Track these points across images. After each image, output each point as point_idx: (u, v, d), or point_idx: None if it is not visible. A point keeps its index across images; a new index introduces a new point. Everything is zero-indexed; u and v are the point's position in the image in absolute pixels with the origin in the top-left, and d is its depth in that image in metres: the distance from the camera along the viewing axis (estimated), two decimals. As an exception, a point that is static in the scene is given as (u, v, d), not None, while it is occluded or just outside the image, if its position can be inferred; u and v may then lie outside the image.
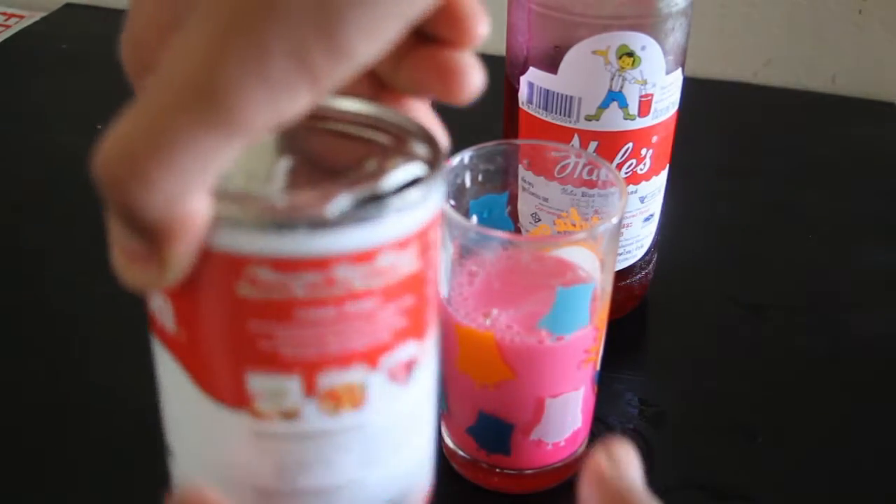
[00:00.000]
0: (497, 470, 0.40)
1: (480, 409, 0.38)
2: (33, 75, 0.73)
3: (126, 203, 0.19)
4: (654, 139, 0.43)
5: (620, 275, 0.47)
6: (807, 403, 0.46)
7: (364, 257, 0.21)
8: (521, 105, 0.44)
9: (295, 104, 0.18)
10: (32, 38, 0.80)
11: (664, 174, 0.46)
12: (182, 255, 0.20)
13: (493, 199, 0.40)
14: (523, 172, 0.43)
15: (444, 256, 0.37)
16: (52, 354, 0.48)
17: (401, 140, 0.24)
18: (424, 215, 0.22)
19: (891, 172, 0.65)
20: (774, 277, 0.54)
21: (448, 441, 0.41)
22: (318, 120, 0.23)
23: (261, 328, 0.22)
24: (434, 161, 0.23)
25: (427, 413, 0.25)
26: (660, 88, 0.42)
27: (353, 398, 0.23)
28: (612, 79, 0.41)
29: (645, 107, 0.42)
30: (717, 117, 0.70)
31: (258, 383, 0.22)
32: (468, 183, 0.39)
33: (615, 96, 0.41)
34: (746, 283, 0.53)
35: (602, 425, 0.44)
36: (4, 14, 0.84)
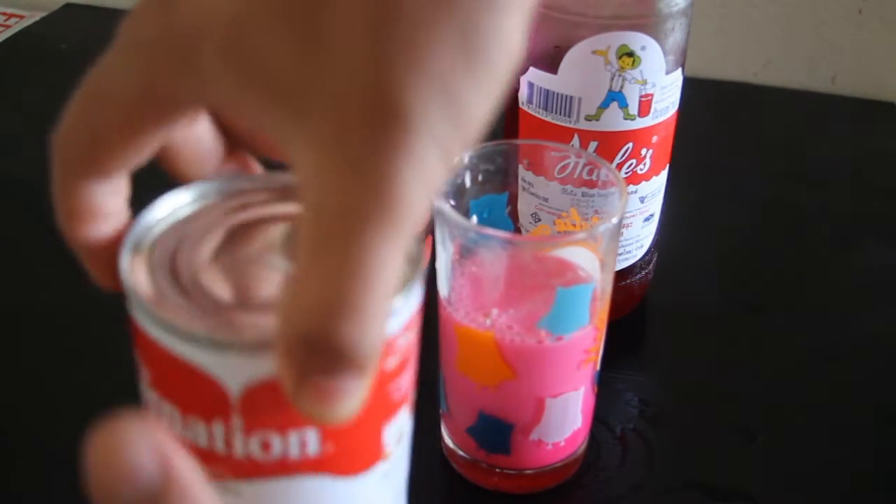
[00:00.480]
0: (497, 470, 0.40)
1: (480, 410, 0.38)
2: (33, 75, 0.73)
3: (348, 351, 0.18)
4: (654, 139, 0.43)
5: (620, 275, 0.47)
6: (807, 403, 0.46)
7: (415, 322, 0.23)
8: (521, 105, 0.44)
9: (437, 190, 0.19)
10: (32, 38, 0.80)
11: (664, 174, 0.46)
12: (376, 367, 0.20)
13: (494, 199, 0.40)
14: (523, 172, 0.43)
15: (444, 256, 0.37)
16: (51, 356, 0.48)
17: None
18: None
19: (891, 172, 0.65)
20: (774, 277, 0.54)
21: (448, 441, 0.41)
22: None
23: (395, 385, 0.23)
24: (421, 258, 0.23)
25: None
26: (660, 88, 0.42)
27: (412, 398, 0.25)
28: (612, 79, 0.41)
29: (645, 107, 0.42)
30: (717, 117, 0.70)
31: (389, 431, 0.23)
32: (468, 183, 0.39)
33: (615, 96, 0.41)
34: (746, 283, 0.53)
35: (602, 425, 0.44)
36: (4, 14, 0.84)
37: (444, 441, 0.42)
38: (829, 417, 0.45)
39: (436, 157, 0.18)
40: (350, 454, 0.23)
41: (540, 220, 0.44)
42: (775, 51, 0.75)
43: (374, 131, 0.18)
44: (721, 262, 0.55)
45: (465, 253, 0.37)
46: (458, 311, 0.37)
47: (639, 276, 0.49)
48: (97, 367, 0.47)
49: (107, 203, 0.23)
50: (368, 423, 0.23)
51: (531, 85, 0.43)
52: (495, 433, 0.39)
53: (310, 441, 0.22)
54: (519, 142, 0.44)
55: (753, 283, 0.54)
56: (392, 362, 0.22)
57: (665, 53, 0.41)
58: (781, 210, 0.60)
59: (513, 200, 0.44)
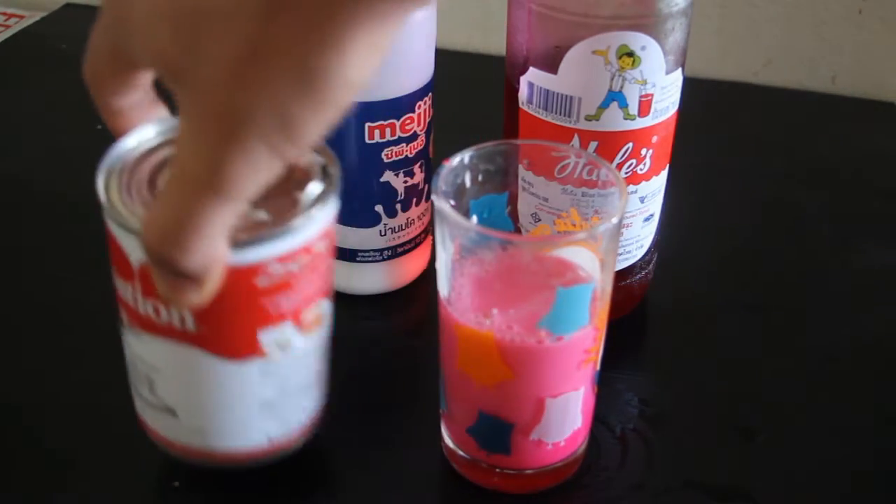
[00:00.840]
0: (497, 470, 0.40)
1: (480, 409, 0.38)
2: (33, 75, 0.73)
3: (173, 265, 0.28)
4: (654, 139, 0.43)
5: (620, 275, 0.47)
6: (807, 403, 0.46)
7: (325, 234, 0.33)
8: (521, 105, 0.44)
9: (274, 174, 0.26)
10: (32, 38, 0.80)
11: (664, 174, 0.46)
12: (216, 282, 0.29)
13: (494, 200, 0.40)
14: (523, 172, 0.43)
15: (444, 256, 0.37)
16: (51, 355, 0.48)
17: (311, 168, 0.34)
18: (338, 200, 0.33)
19: (891, 172, 0.65)
20: (774, 277, 0.54)
21: (448, 441, 0.41)
22: None
23: (270, 300, 0.32)
24: (332, 157, 0.34)
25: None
26: (660, 88, 0.42)
27: (319, 321, 0.35)
28: (612, 79, 0.41)
29: (645, 107, 0.42)
30: (717, 117, 0.70)
31: (266, 336, 0.32)
32: (468, 183, 0.39)
33: (615, 96, 0.41)
34: (746, 283, 0.53)
35: (602, 425, 0.44)
36: (4, 14, 0.84)
37: (444, 441, 0.42)
38: (829, 417, 0.45)
39: (265, 153, 0.25)
40: (221, 341, 0.32)
41: (540, 220, 0.44)
42: (775, 51, 0.75)
43: (220, 127, 0.25)
44: (721, 262, 0.55)
45: (464, 253, 0.37)
46: (458, 311, 0.37)
47: (639, 276, 0.49)
48: (97, 366, 0.47)
49: (123, 105, 0.32)
50: (239, 322, 0.32)
51: (531, 85, 0.43)
52: (495, 433, 0.39)
53: (186, 319, 0.31)
54: (519, 142, 0.44)
55: (753, 283, 0.54)
56: (264, 282, 0.31)
57: (665, 53, 0.41)
58: (781, 210, 0.60)
59: (513, 200, 0.44)
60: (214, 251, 0.28)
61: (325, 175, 0.33)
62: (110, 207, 0.31)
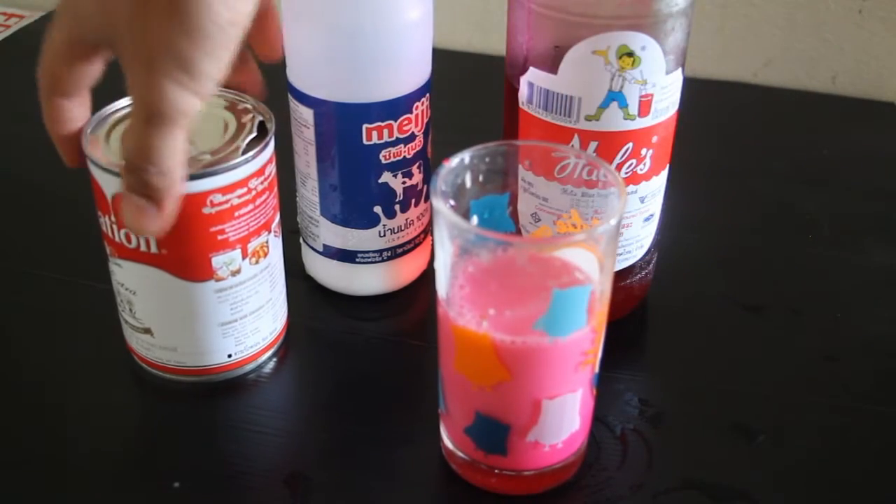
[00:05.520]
0: (496, 471, 0.40)
1: (477, 410, 0.38)
2: (33, 75, 0.73)
3: (143, 178, 0.34)
4: (654, 139, 0.43)
5: (620, 275, 0.47)
6: (807, 403, 0.46)
7: (260, 172, 0.41)
8: (521, 105, 0.44)
9: (193, 106, 0.33)
10: (32, 38, 0.79)
11: (664, 174, 0.46)
12: (175, 204, 0.35)
13: (495, 200, 0.40)
14: (523, 172, 0.43)
15: (442, 257, 0.37)
16: (50, 355, 0.48)
17: (234, 103, 0.43)
18: (273, 146, 0.42)
19: (891, 172, 0.65)
20: (774, 277, 0.54)
21: (447, 441, 0.41)
22: None
23: (217, 228, 0.40)
24: (268, 113, 0.43)
25: (281, 251, 0.46)
26: (660, 88, 0.42)
27: (264, 251, 0.43)
28: (612, 79, 0.41)
29: (645, 107, 0.42)
30: (717, 117, 0.70)
31: (218, 260, 0.41)
32: (468, 183, 0.39)
33: (615, 96, 0.41)
34: (746, 283, 0.53)
35: (602, 425, 0.44)
36: (4, 14, 0.84)
37: (443, 441, 0.42)
38: (829, 417, 0.45)
39: (179, 90, 0.32)
40: (181, 263, 0.41)
41: (540, 220, 0.44)
42: (775, 51, 0.75)
43: (139, 71, 0.33)
44: (721, 262, 0.55)
45: (463, 254, 0.37)
46: (456, 312, 0.37)
47: (639, 276, 0.49)
48: (96, 366, 0.47)
49: (73, 111, 0.39)
50: (194, 246, 0.40)
51: (531, 85, 0.43)
52: (492, 434, 0.39)
53: (151, 243, 0.40)
54: (519, 142, 0.44)
55: (753, 283, 0.54)
56: (209, 211, 0.39)
57: (665, 53, 0.41)
58: (781, 210, 0.60)
59: (514, 201, 0.44)
60: (174, 171, 0.34)
61: (261, 127, 0.41)
62: (90, 153, 0.39)
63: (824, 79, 0.75)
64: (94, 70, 0.38)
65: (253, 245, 0.42)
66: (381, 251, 0.50)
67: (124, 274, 0.42)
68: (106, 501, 0.41)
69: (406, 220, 0.49)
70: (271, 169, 0.42)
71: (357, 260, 0.50)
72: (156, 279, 0.41)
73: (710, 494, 0.41)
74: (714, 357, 0.48)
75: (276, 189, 0.43)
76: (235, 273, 0.42)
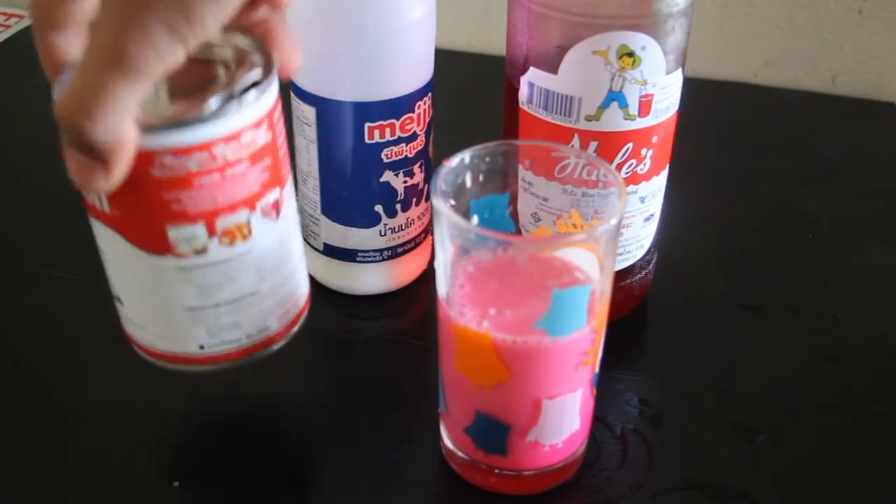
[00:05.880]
0: (496, 471, 0.40)
1: (477, 410, 0.38)
2: (33, 75, 0.73)
3: (82, 135, 0.29)
4: (655, 139, 0.43)
5: (620, 275, 0.47)
6: (807, 403, 0.46)
7: (232, 138, 0.33)
8: (521, 105, 0.44)
9: (175, 56, 0.29)
10: (32, 38, 0.80)
11: (664, 174, 0.46)
12: (123, 163, 0.31)
13: (495, 200, 0.40)
14: (523, 172, 0.43)
15: (442, 256, 0.37)
16: (50, 355, 0.48)
17: (242, 55, 0.35)
18: (268, 102, 0.34)
19: (891, 172, 0.65)
20: (774, 277, 0.54)
21: (447, 441, 0.41)
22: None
23: (171, 196, 0.33)
24: (268, 66, 0.34)
25: (295, 238, 0.38)
26: (660, 88, 0.42)
27: (242, 233, 0.35)
28: (612, 79, 0.41)
29: (645, 107, 0.42)
30: (717, 117, 0.70)
31: (175, 233, 0.34)
32: (469, 183, 0.39)
33: (615, 96, 0.41)
34: (746, 283, 0.53)
35: (602, 425, 0.44)
36: (4, 14, 0.84)
37: (443, 441, 0.42)
38: (829, 417, 0.45)
39: (165, 34, 0.28)
40: (135, 229, 0.34)
41: (540, 220, 0.44)
42: (775, 51, 0.75)
43: (124, 7, 0.28)
44: (721, 262, 0.55)
45: (463, 253, 0.37)
46: (456, 311, 0.37)
47: (639, 276, 0.49)
48: (95, 365, 0.47)
49: (69, 46, 0.34)
50: (144, 212, 0.34)
51: (531, 85, 0.43)
52: (492, 433, 0.39)
53: (102, 201, 0.34)
54: (519, 142, 0.44)
55: (753, 283, 0.54)
56: (159, 174, 0.32)
57: (665, 53, 0.41)
58: (781, 210, 0.60)
59: (514, 201, 0.44)
60: (120, 128, 0.30)
61: (241, 83, 0.33)
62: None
63: (824, 79, 0.75)
64: (90, 2, 0.34)
65: (223, 222, 0.34)
66: (381, 250, 0.50)
67: (95, 231, 0.36)
68: (106, 501, 0.41)
69: (407, 219, 0.49)
70: (256, 136, 0.34)
71: (358, 259, 0.50)
72: (116, 243, 0.35)
73: (710, 494, 0.41)
74: (714, 357, 0.48)
75: (269, 161, 0.35)
76: (199, 252, 0.35)
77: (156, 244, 0.34)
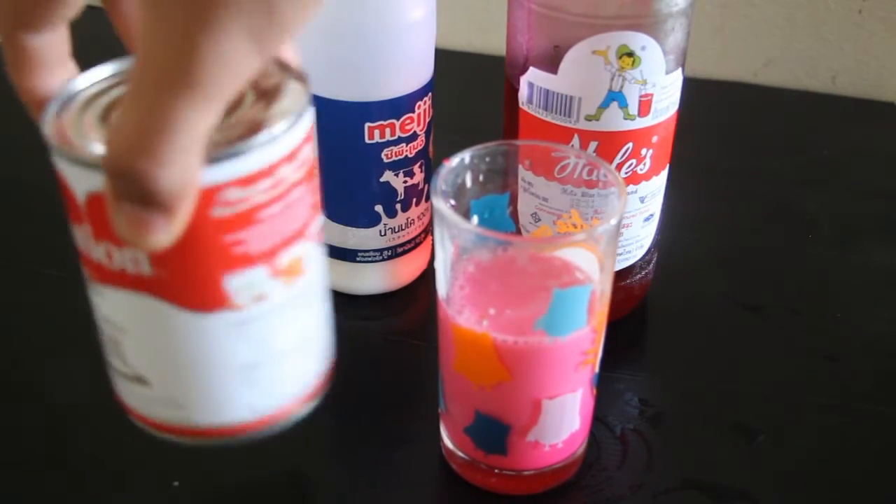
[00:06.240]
0: (496, 471, 0.40)
1: (477, 410, 0.38)
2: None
3: (145, 184, 0.23)
4: (654, 139, 0.43)
5: (620, 275, 0.47)
6: (807, 403, 0.46)
7: (292, 156, 0.28)
8: (521, 105, 0.44)
9: (254, 71, 0.23)
10: None
11: (664, 174, 0.46)
12: (189, 209, 0.25)
13: (495, 200, 0.40)
14: (523, 172, 0.43)
15: (442, 256, 0.37)
16: (50, 355, 0.48)
17: (270, 75, 0.30)
18: (311, 120, 0.29)
19: (891, 172, 0.65)
20: (774, 277, 0.54)
21: (447, 441, 0.41)
22: None
23: (233, 237, 0.27)
24: (296, 70, 0.30)
25: (326, 263, 0.32)
26: (660, 88, 0.42)
27: (299, 267, 0.30)
28: (612, 79, 0.41)
29: (645, 107, 0.42)
30: (717, 117, 0.70)
31: (234, 282, 0.28)
32: (469, 183, 0.39)
33: (615, 96, 0.41)
34: (746, 283, 0.53)
35: (602, 425, 0.44)
36: (4, 14, 0.84)
37: (443, 441, 0.42)
38: (829, 417, 0.45)
39: (245, 42, 0.22)
40: (183, 288, 0.28)
41: (540, 220, 0.44)
42: (775, 51, 0.75)
43: (195, 9, 0.22)
44: (721, 262, 0.55)
45: (463, 253, 0.37)
46: (456, 311, 0.37)
47: (639, 276, 0.49)
48: (95, 365, 0.47)
49: (44, 53, 0.28)
50: (200, 264, 0.27)
51: (531, 85, 0.43)
52: (492, 433, 0.39)
53: (141, 261, 0.27)
54: (519, 142, 0.44)
55: (753, 283, 0.54)
56: (221, 213, 0.27)
57: (665, 53, 0.41)
58: (781, 210, 0.60)
59: (514, 201, 0.44)
60: (191, 168, 0.23)
61: (290, 94, 0.29)
62: (54, 142, 0.27)
63: (824, 79, 0.75)
64: (76, 1, 0.27)
65: (284, 259, 0.29)
66: (381, 250, 0.50)
67: (107, 305, 0.30)
68: (106, 501, 0.41)
69: (407, 219, 0.49)
70: (308, 151, 0.29)
71: (357, 259, 0.50)
72: (148, 310, 0.29)
73: (710, 494, 0.41)
74: (714, 357, 0.48)
75: (316, 178, 0.31)
76: (259, 299, 0.29)
77: (209, 300, 0.28)
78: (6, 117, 0.69)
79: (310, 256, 0.30)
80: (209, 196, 0.26)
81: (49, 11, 0.26)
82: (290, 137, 0.28)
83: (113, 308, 0.30)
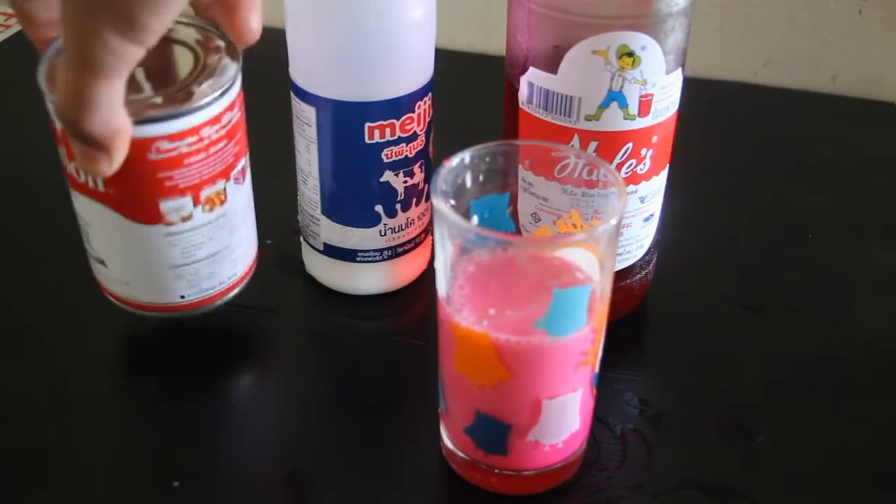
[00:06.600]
0: (496, 471, 0.40)
1: (477, 410, 0.38)
2: (33, 75, 0.73)
3: (79, 130, 0.32)
4: (654, 139, 0.43)
5: (620, 275, 0.47)
6: (807, 403, 0.46)
7: (216, 120, 0.39)
8: (521, 105, 0.44)
9: (136, 55, 0.31)
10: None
11: (664, 174, 0.46)
12: (123, 149, 0.34)
13: (495, 200, 0.40)
14: (523, 172, 0.43)
15: (442, 256, 0.37)
16: (49, 354, 0.48)
17: (207, 36, 0.40)
18: (238, 86, 0.40)
19: (891, 172, 0.65)
20: (774, 277, 0.54)
21: (447, 441, 0.41)
22: None
23: (164, 175, 0.38)
24: (233, 50, 0.40)
25: (250, 200, 0.44)
26: (660, 88, 0.42)
27: (220, 199, 0.41)
28: (612, 79, 0.41)
29: (645, 107, 0.42)
30: (717, 117, 0.70)
31: (166, 206, 0.39)
32: (469, 183, 0.39)
33: (615, 96, 0.41)
34: (746, 283, 0.53)
35: (602, 425, 0.44)
36: (4, 14, 0.84)
37: (443, 441, 0.42)
38: (830, 418, 0.45)
39: (117, 39, 0.30)
40: (129, 205, 0.39)
41: (540, 220, 0.44)
42: (775, 51, 0.75)
43: (76, 13, 0.30)
44: (721, 262, 0.55)
45: (463, 253, 0.37)
46: (456, 311, 0.37)
47: (639, 276, 0.49)
48: (96, 365, 0.47)
49: (39, 13, 0.37)
50: (140, 190, 0.39)
51: (531, 85, 0.43)
52: (492, 433, 0.39)
53: (98, 181, 0.39)
54: (519, 142, 0.44)
55: (753, 283, 0.54)
56: (155, 157, 0.38)
57: (665, 53, 0.41)
58: (781, 210, 0.60)
59: (514, 201, 0.44)
60: (112, 120, 0.32)
61: (223, 72, 0.39)
62: (44, 89, 0.37)
63: (824, 79, 0.75)
64: None
65: (206, 193, 0.40)
66: (381, 250, 0.50)
67: (79, 205, 0.41)
68: (105, 501, 0.41)
69: (407, 219, 0.49)
70: (232, 115, 0.40)
71: (358, 259, 0.50)
72: (105, 216, 0.40)
73: (710, 494, 0.41)
74: (714, 357, 0.48)
75: (239, 135, 0.41)
76: (186, 219, 0.40)
77: (148, 216, 0.40)
78: (6, 117, 0.69)
79: (230, 191, 0.41)
80: (147, 144, 0.37)
81: None
82: (214, 107, 0.38)
83: (82, 208, 0.41)
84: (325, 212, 0.49)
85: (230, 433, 0.44)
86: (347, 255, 0.50)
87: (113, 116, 0.32)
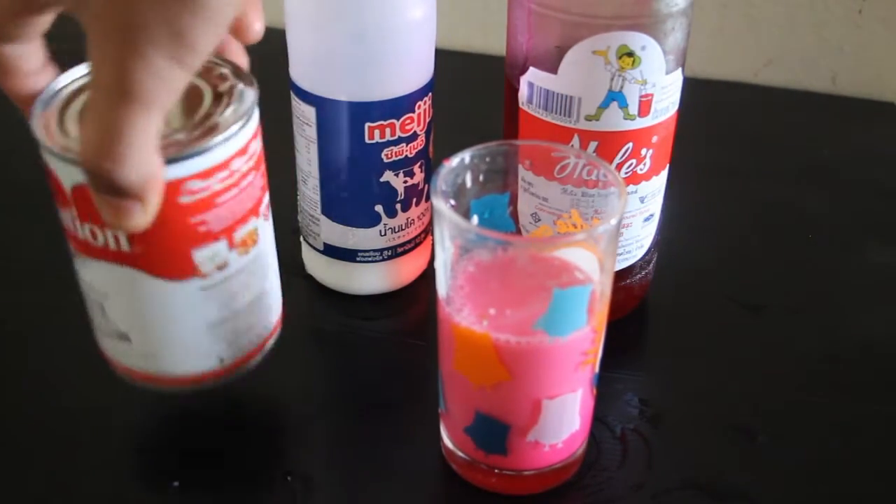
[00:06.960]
0: (496, 471, 0.40)
1: (477, 410, 0.38)
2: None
3: (112, 180, 0.29)
4: (654, 139, 0.43)
5: (620, 275, 0.47)
6: (807, 403, 0.46)
7: (243, 150, 0.34)
8: (521, 105, 0.44)
9: (182, 82, 0.29)
10: None
11: (664, 174, 0.46)
12: (158, 196, 0.31)
13: (495, 200, 0.40)
14: (523, 172, 0.43)
15: (442, 256, 0.37)
16: (49, 355, 0.48)
17: (214, 71, 0.36)
18: (257, 119, 0.36)
19: (891, 172, 0.65)
20: (774, 277, 0.54)
21: (447, 441, 0.41)
22: None
23: (197, 219, 0.34)
24: (245, 75, 0.36)
25: (273, 236, 0.39)
26: (660, 88, 0.42)
27: (252, 240, 0.37)
28: (612, 79, 0.41)
29: (645, 107, 0.42)
30: (717, 117, 0.70)
31: (200, 255, 0.35)
32: (469, 183, 0.39)
33: (615, 96, 0.41)
34: (746, 283, 0.53)
35: (602, 425, 0.44)
36: None
37: (443, 441, 0.42)
38: (830, 418, 0.45)
39: (165, 61, 0.28)
40: (158, 261, 0.34)
41: (540, 220, 0.44)
42: (775, 51, 0.75)
43: (119, 39, 0.27)
44: (721, 262, 0.55)
45: (464, 253, 0.37)
46: (456, 311, 0.37)
47: (639, 276, 0.49)
48: (96, 365, 0.47)
49: (24, 61, 0.33)
50: (171, 241, 0.34)
51: (531, 85, 0.43)
52: (492, 433, 0.39)
53: (121, 240, 0.33)
54: (519, 142, 0.44)
55: (753, 283, 0.54)
56: (187, 200, 0.33)
57: (665, 53, 0.41)
58: (782, 210, 0.60)
59: (514, 201, 0.44)
60: (149, 164, 0.29)
61: (242, 98, 0.35)
62: (41, 137, 0.33)
63: (824, 79, 0.75)
64: (44, 20, 0.33)
65: (240, 234, 0.36)
66: (381, 250, 0.50)
67: (92, 274, 0.36)
68: (106, 501, 0.41)
69: (407, 219, 0.49)
70: (256, 145, 0.36)
71: (358, 259, 0.50)
72: (129, 281, 0.35)
73: (710, 494, 0.41)
74: (714, 357, 0.48)
75: (263, 166, 0.37)
76: (221, 267, 0.36)
77: (180, 270, 0.35)
78: (6, 117, 0.69)
79: (261, 229, 0.37)
80: (176, 187, 0.32)
81: (20, 29, 0.32)
82: (241, 136, 0.34)
83: (96, 276, 0.36)
84: (324, 212, 0.49)
85: (230, 433, 0.44)
86: (347, 255, 0.50)
87: (148, 158, 0.29)
